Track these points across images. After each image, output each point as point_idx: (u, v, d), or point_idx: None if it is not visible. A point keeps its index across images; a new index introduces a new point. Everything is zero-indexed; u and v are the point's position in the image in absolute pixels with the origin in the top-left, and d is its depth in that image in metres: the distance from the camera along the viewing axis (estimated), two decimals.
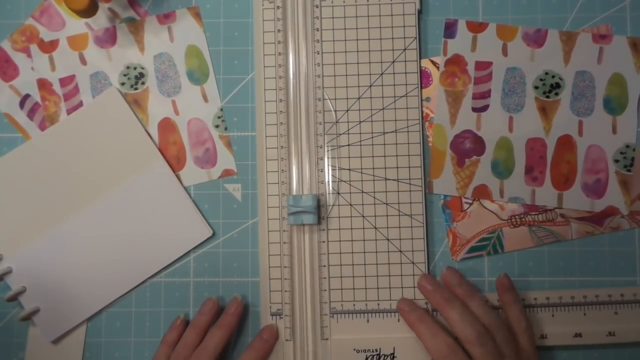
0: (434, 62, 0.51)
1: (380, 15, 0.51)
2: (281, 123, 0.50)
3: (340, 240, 0.50)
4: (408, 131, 0.50)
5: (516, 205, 0.50)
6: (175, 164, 0.51)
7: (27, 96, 0.52)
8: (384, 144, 0.50)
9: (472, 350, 0.43)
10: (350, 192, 0.50)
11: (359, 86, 0.51)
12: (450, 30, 0.51)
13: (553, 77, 0.50)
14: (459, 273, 0.49)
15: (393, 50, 0.51)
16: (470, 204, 0.50)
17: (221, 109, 0.52)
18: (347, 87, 0.51)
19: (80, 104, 0.52)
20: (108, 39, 0.52)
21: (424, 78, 0.51)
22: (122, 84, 0.52)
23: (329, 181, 0.50)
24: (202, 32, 0.52)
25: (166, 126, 0.52)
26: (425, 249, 0.49)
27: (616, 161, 0.50)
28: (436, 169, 0.51)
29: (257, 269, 0.51)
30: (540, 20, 0.51)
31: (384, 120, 0.50)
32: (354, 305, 0.50)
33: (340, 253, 0.50)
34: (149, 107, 0.52)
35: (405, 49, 0.51)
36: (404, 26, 0.51)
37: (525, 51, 0.50)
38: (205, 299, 0.50)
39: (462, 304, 0.46)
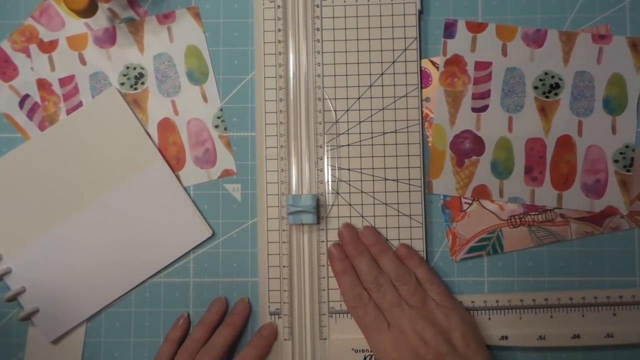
0: (433, 62, 0.51)
1: (380, 15, 0.51)
2: (281, 123, 0.50)
3: (339, 240, 0.50)
4: (408, 131, 0.50)
5: (516, 205, 0.50)
6: (175, 164, 0.51)
7: (26, 96, 0.52)
8: (384, 144, 0.50)
9: (372, 295, 0.47)
10: (349, 192, 0.50)
11: (359, 86, 0.51)
12: (449, 30, 0.51)
13: (553, 77, 0.50)
14: (375, 232, 0.49)
15: (393, 50, 0.51)
16: (470, 204, 0.50)
17: (221, 109, 0.52)
18: (347, 87, 0.51)
19: (80, 104, 0.52)
20: (108, 39, 0.52)
21: (423, 78, 0.51)
22: (122, 84, 0.52)
23: (328, 181, 0.50)
24: (202, 32, 0.52)
25: (166, 126, 0.52)
26: (424, 249, 0.50)
27: (616, 161, 0.50)
28: (436, 169, 0.51)
29: (256, 269, 0.51)
30: (540, 21, 0.51)
31: (383, 121, 0.50)
32: None
33: None
34: (148, 107, 0.52)
35: (405, 49, 0.51)
36: (405, 26, 0.51)
37: (525, 51, 0.50)
38: (215, 298, 0.50)
39: (372, 258, 0.48)
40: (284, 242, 0.50)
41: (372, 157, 0.50)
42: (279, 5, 0.51)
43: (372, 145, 0.50)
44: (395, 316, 0.46)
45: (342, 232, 0.49)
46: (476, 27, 0.51)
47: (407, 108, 0.50)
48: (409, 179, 0.50)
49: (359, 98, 0.51)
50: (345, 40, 0.51)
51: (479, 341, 0.46)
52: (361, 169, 0.50)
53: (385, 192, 0.50)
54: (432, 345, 0.45)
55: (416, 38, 0.50)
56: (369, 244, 0.49)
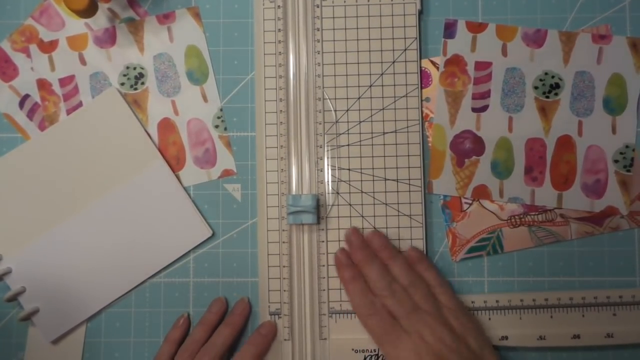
0: (433, 63, 0.51)
1: (380, 16, 0.51)
2: (281, 123, 0.50)
3: (339, 240, 0.50)
4: (408, 131, 0.50)
5: (516, 205, 0.50)
6: (175, 164, 0.51)
7: (26, 96, 0.52)
8: (384, 144, 0.50)
9: (385, 302, 0.46)
10: (349, 192, 0.50)
11: (359, 86, 0.51)
12: (450, 30, 0.51)
13: (553, 77, 0.50)
14: (383, 236, 0.49)
15: (393, 50, 0.51)
16: (470, 204, 0.50)
17: (221, 109, 0.52)
18: (347, 87, 0.51)
19: (80, 104, 0.52)
20: (108, 39, 0.52)
21: (423, 78, 0.51)
22: (122, 84, 0.52)
23: (328, 181, 0.50)
24: (202, 32, 0.52)
25: (166, 126, 0.52)
26: (424, 250, 0.49)
27: (616, 161, 0.50)
28: (436, 169, 0.51)
29: (256, 269, 0.51)
30: (540, 21, 0.51)
31: (383, 121, 0.50)
32: None
33: None
34: (148, 107, 0.52)
35: (405, 49, 0.51)
36: (405, 26, 0.51)
37: (525, 51, 0.50)
38: (215, 298, 0.50)
39: (382, 264, 0.48)
40: (284, 242, 0.50)
41: (372, 157, 0.50)
42: (279, 5, 0.51)
43: (372, 145, 0.50)
44: (413, 323, 0.45)
45: (350, 237, 0.49)
46: (476, 27, 0.51)
47: (407, 108, 0.50)
48: (409, 179, 0.50)
49: (359, 98, 0.51)
50: (345, 40, 0.51)
51: (489, 342, 0.47)
52: (361, 169, 0.50)
53: (385, 192, 0.50)
54: (453, 349, 0.44)
55: (416, 38, 0.50)
56: (377, 249, 0.48)
